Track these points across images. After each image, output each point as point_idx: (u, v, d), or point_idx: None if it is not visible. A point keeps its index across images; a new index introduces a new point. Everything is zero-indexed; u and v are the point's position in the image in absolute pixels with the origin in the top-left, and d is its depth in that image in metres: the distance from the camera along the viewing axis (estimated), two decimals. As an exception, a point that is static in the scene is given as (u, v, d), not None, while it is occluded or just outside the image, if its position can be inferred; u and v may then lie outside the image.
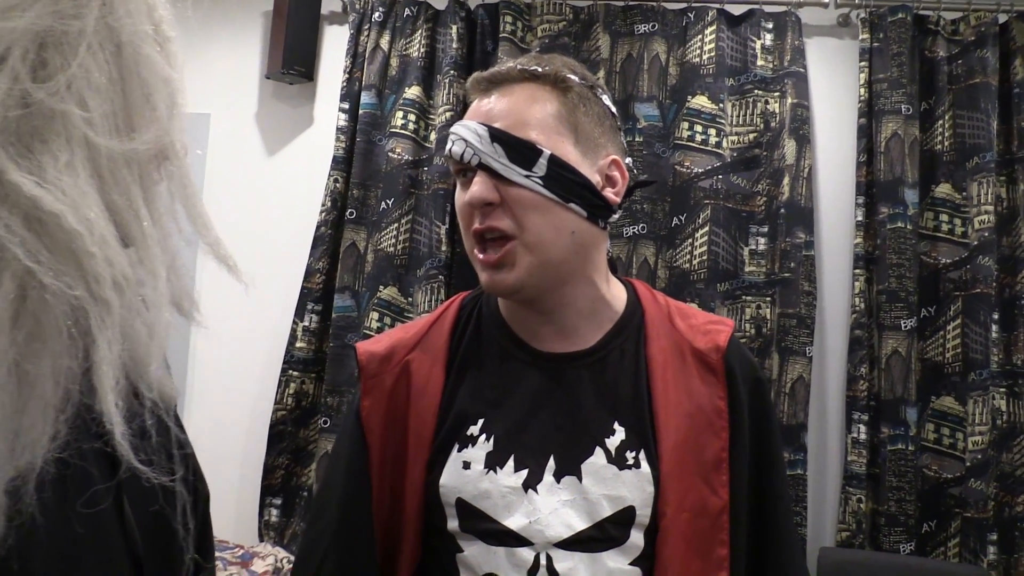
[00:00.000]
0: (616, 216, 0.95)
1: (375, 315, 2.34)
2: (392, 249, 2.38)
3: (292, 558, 2.20)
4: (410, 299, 2.38)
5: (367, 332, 2.33)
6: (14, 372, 0.43)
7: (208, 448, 2.50)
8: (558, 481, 0.87)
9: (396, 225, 2.38)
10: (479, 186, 0.87)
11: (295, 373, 2.38)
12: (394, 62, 2.46)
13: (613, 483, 0.87)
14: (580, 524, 0.86)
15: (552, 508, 0.86)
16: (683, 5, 2.39)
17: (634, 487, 0.87)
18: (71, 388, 0.45)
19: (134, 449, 0.47)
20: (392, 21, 2.47)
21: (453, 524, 0.88)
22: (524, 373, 0.93)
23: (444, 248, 2.35)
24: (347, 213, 2.42)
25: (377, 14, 2.46)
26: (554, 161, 0.87)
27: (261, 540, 2.37)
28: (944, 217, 2.27)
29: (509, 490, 0.87)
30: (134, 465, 0.47)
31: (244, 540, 2.37)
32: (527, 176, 0.86)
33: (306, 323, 2.39)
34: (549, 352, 0.93)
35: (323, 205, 2.42)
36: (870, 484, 2.20)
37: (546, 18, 2.40)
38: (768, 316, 2.26)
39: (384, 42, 2.46)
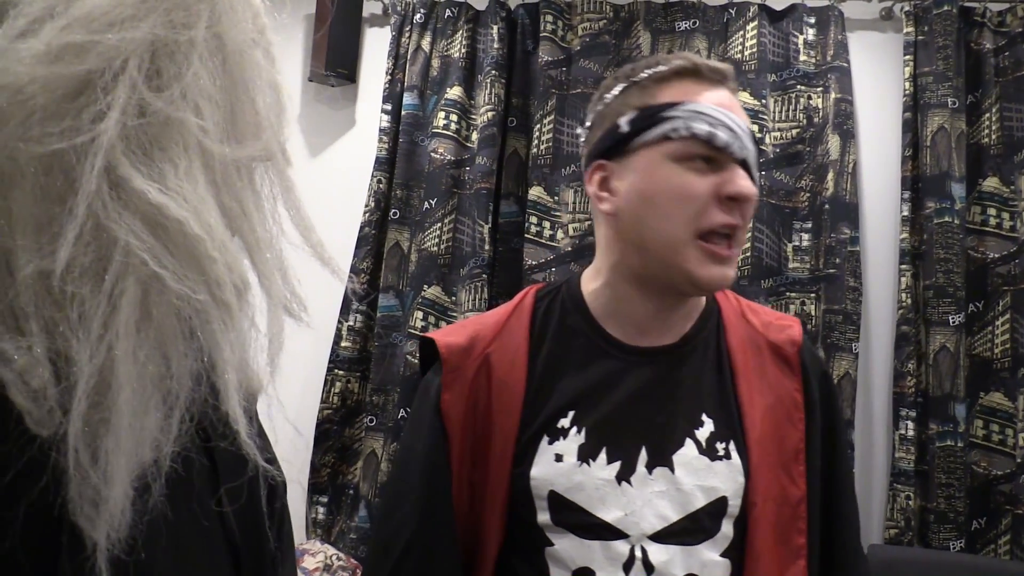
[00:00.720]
0: None
1: (419, 314, 2.36)
2: (435, 249, 2.39)
3: (341, 555, 2.23)
4: (454, 298, 2.39)
5: (412, 332, 2.35)
6: (141, 373, 0.44)
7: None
8: (650, 472, 0.88)
9: (439, 225, 2.40)
10: (748, 181, 0.87)
11: (340, 372, 2.41)
12: (435, 63, 2.48)
13: (705, 474, 0.88)
14: (673, 515, 0.87)
15: (646, 500, 0.87)
16: (724, 1, 2.38)
17: (726, 478, 0.88)
18: (197, 389, 0.46)
19: (260, 448, 0.49)
20: (433, 22, 2.49)
21: (544, 517, 0.88)
22: (613, 366, 0.93)
23: (487, 247, 2.36)
24: (391, 213, 2.44)
25: (418, 16, 2.48)
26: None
27: (308, 538, 2.40)
28: (992, 211, 2.24)
29: (603, 482, 0.88)
30: (261, 464, 0.49)
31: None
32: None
33: (351, 322, 2.42)
34: (637, 346, 0.94)
35: (366, 206, 2.44)
36: (918, 481, 2.18)
37: (587, 16, 2.41)
38: (813, 313, 2.24)
39: (425, 43, 2.48)
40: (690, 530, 0.87)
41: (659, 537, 0.86)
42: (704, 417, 0.91)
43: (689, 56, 0.92)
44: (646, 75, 0.92)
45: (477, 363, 0.94)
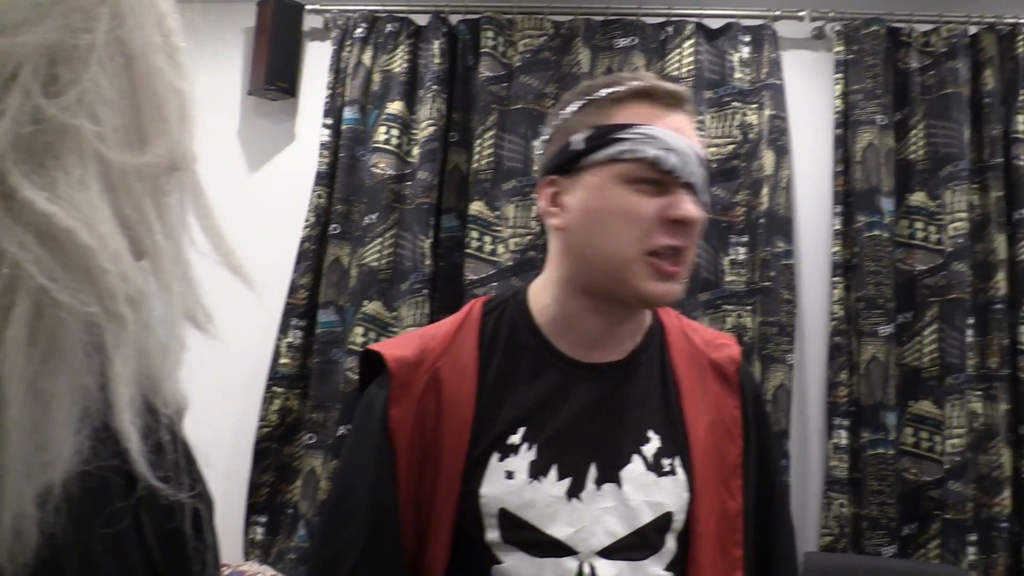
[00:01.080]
0: None
1: (359, 330, 2.34)
2: (376, 264, 2.38)
3: None
4: (395, 313, 2.38)
5: (352, 347, 2.33)
6: (32, 390, 0.42)
7: (193, 465, 2.48)
8: (599, 488, 0.89)
9: (380, 240, 2.39)
10: (693, 205, 0.88)
11: (279, 389, 2.37)
12: (376, 77, 2.47)
13: (652, 489, 0.90)
14: (621, 531, 0.88)
15: (595, 516, 0.88)
16: (662, 19, 2.42)
17: (672, 493, 0.90)
18: (89, 405, 0.45)
19: (151, 466, 0.47)
20: (374, 37, 2.48)
21: (493, 535, 0.87)
22: (563, 382, 0.93)
23: (428, 262, 2.35)
24: (331, 228, 2.42)
25: (359, 30, 2.47)
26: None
27: (246, 559, 2.35)
28: (919, 225, 2.31)
29: (554, 499, 0.88)
30: (151, 482, 0.47)
31: (229, 559, 2.36)
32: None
33: (290, 339, 2.39)
34: (586, 362, 0.94)
35: (307, 221, 2.42)
36: (852, 488, 2.23)
37: (527, 33, 2.43)
38: (749, 325, 2.29)
39: (366, 58, 2.47)
40: (637, 545, 0.88)
41: (607, 553, 0.87)
42: (651, 433, 0.92)
43: (648, 78, 0.93)
44: (603, 94, 0.93)
45: (426, 378, 0.93)
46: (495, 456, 0.90)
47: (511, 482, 0.88)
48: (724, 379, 0.98)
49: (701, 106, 2.36)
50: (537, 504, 0.87)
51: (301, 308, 2.40)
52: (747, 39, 2.40)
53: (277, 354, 2.39)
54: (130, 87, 0.49)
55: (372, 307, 2.37)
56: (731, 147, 2.36)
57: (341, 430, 2.28)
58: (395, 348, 0.96)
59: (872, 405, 2.23)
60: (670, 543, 0.90)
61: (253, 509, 2.36)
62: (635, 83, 0.92)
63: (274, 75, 2.46)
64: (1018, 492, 2.18)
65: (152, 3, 0.52)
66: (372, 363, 0.96)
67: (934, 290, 2.27)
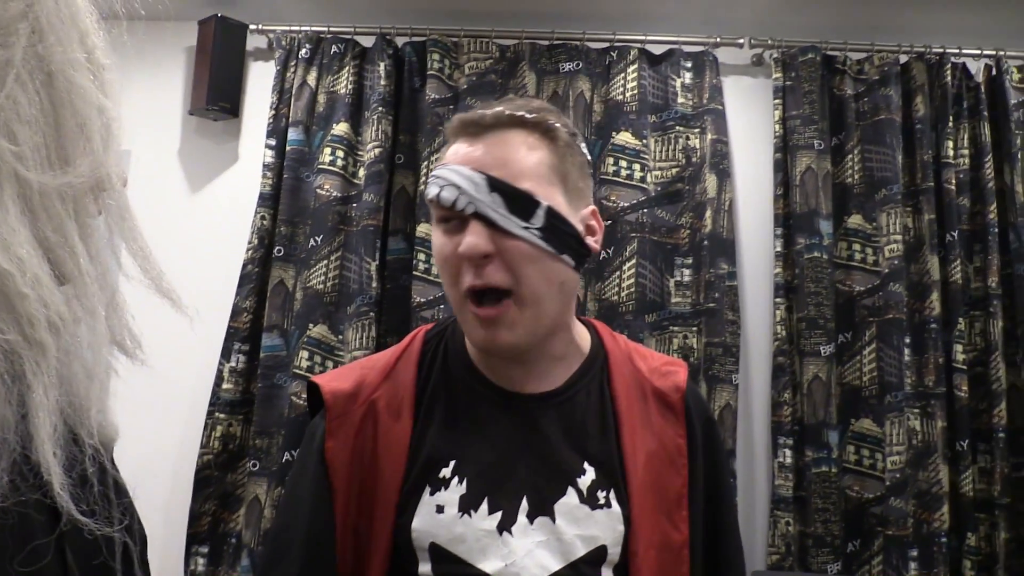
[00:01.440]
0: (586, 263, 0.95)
1: (305, 354, 2.30)
2: (321, 287, 2.35)
3: (220, 608, 2.13)
4: (341, 337, 2.35)
5: (297, 372, 2.28)
6: None
7: (132, 494, 2.39)
8: (532, 522, 0.87)
9: (325, 262, 2.36)
10: (475, 237, 0.83)
11: (222, 415, 2.32)
12: (321, 99, 2.45)
13: (586, 523, 0.87)
14: (555, 565, 0.86)
15: (527, 550, 0.86)
16: (606, 44, 2.46)
17: (606, 526, 0.88)
18: (7, 437, 0.43)
19: (75, 499, 0.45)
20: (319, 58, 2.47)
21: (425, 568, 0.86)
22: (494, 414, 0.92)
23: (374, 285, 2.33)
24: (275, 251, 2.38)
25: (304, 51, 2.46)
26: (551, 212, 0.85)
27: (187, 590, 2.28)
28: (857, 247, 2.37)
29: (484, 533, 0.86)
30: (75, 516, 0.45)
31: (169, 591, 2.28)
32: (525, 228, 0.84)
33: (233, 363, 2.34)
34: (519, 393, 0.93)
35: (250, 243, 2.38)
36: (797, 507, 2.26)
37: (473, 56, 2.44)
38: (695, 345, 2.31)
39: (311, 79, 2.45)
40: None
41: None
42: (586, 465, 0.90)
43: (462, 114, 0.91)
44: (449, 132, 0.93)
45: (363, 410, 0.92)
46: (427, 490, 0.88)
47: (441, 516, 0.87)
48: (668, 407, 0.96)
49: (645, 130, 2.39)
50: (467, 539, 0.86)
51: (244, 332, 2.35)
52: (689, 65, 2.45)
53: (219, 379, 2.34)
54: (51, 105, 0.48)
55: (318, 331, 2.33)
56: (675, 170, 2.40)
57: (286, 456, 2.23)
58: (334, 380, 0.95)
59: (815, 424, 2.26)
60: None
61: (194, 539, 2.29)
62: (452, 122, 0.91)
63: (216, 95, 2.42)
64: (956, 507, 2.23)
65: (74, 19, 0.50)
66: (317, 394, 0.96)
67: (872, 310, 2.32)
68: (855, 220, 2.38)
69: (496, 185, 0.84)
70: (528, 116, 0.88)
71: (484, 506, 0.87)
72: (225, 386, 2.32)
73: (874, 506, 2.24)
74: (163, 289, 0.57)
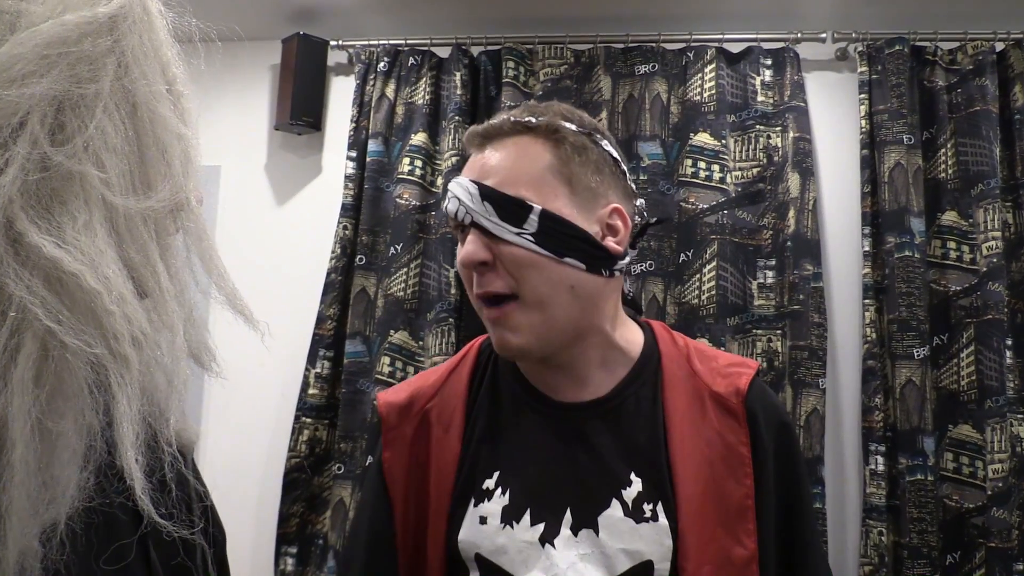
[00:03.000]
0: (626, 262, 0.92)
1: (386, 360, 2.35)
2: (402, 294, 2.39)
3: (309, 608, 2.19)
4: (421, 343, 2.39)
5: (379, 377, 2.33)
6: (37, 430, 0.43)
7: (223, 497, 2.50)
8: (575, 535, 0.86)
9: (405, 270, 2.40)
10: (471, 245, 0.86)
11: (308, 420, 2.38)
12: (400, 110, 2.50)
13: (630, 537, 0.85)
14: None
15: (570, 563, 0.84)
16: (682, 45, 2.43)
17: (652, 541, 0.85)
18: (94, 444, 0.46)
19: (155, 503, 0.48)
20: (397, 70, 2.52)
21: None
22: (538, 424, 0.91)
23: (453, 291, 2.36)
24: (357, 259, 2.44)
25: (382, 64, 2.51)
26: (546, 216, 0.85)
27: (278, 590, 2.35)
28: (952, 244, 2.27)
29: (526, 544, 0.86)
30: (155, 519, 0.48)
31: (261, 590, 2.36)
32: (518, 233, 0.84)
33: (318, 369, 2.40)
34: (564, 402, 0.92)
35: (333, 252, 2.45)
36: (891, 516, 2.17)
37: (548, 62, 2.44)
38: (779, 349, 2.25)
39: (389, 91, 2.51)
40: None
41: None
42: (633, 476, 0.88)
43: (474, 126, 0.93)
44: (465, 146, 0.96)
45: (416, 421, 0.94)
46: (471, 501, 0.89)
47: (484, 527, 0.87)
48: (728, 412, 0.90)
49: (724, 130, 2.35)
50: (509, 550, 0.85)
51: (328, 339, 2.42)
52: (769, 62, 2.39)
53: (305, 385, 2.41)
54: (135, 134, 0.51)
55: (398, 337, 2.37)
56: (756, 170, 2.35)
57: (369, 460, 2.27)
58: (391, 394, 0.99)
59: (909, 430, 2.17)
60: None
61: (283, 540, 2.36)
62: (467, 133, 0.93)
63: (299, 110, 2.50)
64: (1065, 519, 2.10)
65: (156, 53, 0.53)
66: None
67: (969, 311, 2.21)
68: (949, 217, 2.27)
69: (486, 193, 0.85)
70: (532, 121, 0.89)
71: (527, 517, 0.87)
72: (311, 391, 2.39)
73: (975, 516, 2.13)
74: (236, 305, 0.59)
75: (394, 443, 0.94)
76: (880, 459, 2.17)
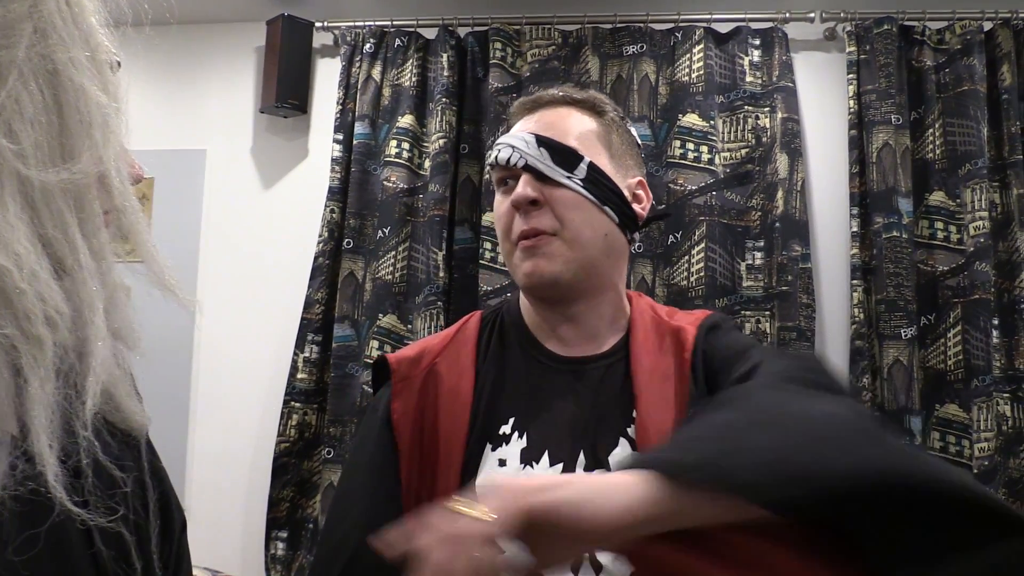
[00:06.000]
0: (638, 234, 1.01)
1: (375, 343, 2.34)
2: (390, 277, 2.38)
3: (300, 591, 2.19)
4: (410, 326, 2.38)
5: (368, 361, 2.33)
6: None
7: (212, 482, 2.51)
8: (589, 474, 0.89)
9: (393, 253, 2.39)
10: (524, 186, 0.94)
11: (297, 404, 2.38)
12: (386, 92, 2.48)
13: None
14: None
15: None
16: (670, 25, 2.41)
17: None
18: (4, 429, 0.44)
19: (69, 490, 0.45)
20: (383, 52, 2.50)
21: None
22: (549, 375, 0.97)
23: (442, 274, 2.35)
24: (344, 243, 2.43)
25: (368, 45, 2.49)
26: (593, 167, 0.95)
27: (268, 573, 2.35)
28: (939, 225, 2.27)
29: None
30: (67, 507, 0.45)
31: (251, 574, 2.36)
32: (569, 177, 0.94)
33: (307, 354, 2.39)
34: (571, 356, 0.98)
35: (320, 236, 2.43)
36: (878, 495, 2.18)
37: (535, 43, 2.42)
38: (768, 330, 2.25)
39: (376, 73, 2.48)
40: None
41: None
42: (634, 414, 0.93)
43: (522, 97, 1.04)
44: (511, 116, 1.05)
45: (425, 373, 0.97)
46: (488, 446, 0.93)
47: (504, 470, 0.91)
48: (679, 339, 0.95)
49: (712, 111, 2.34)
50: None
51: (317, 323, 2.41)
52: (757, 42, 2.38)
53: (294, 369, 2.40)
54: (54, 103, 0.48)
55: (387, 320, 2.37)
56: (744, 151, 2.34)
57: (367, 426, 2.27)
58: (399, 352, 1.02)
59: (896, 410, 2.18)
60: None
61: (273, 524, 2.36)
62: (515, 104, 1.04)
63: (285, 93, 2.48)
64: (1050, 496, 2.12)
65: (76, 19, 0.50)
66: (381, 369, 1.01)
67: (957, 291, 2.22)
68: (937, 197, 2.28)
69: (543, 141, 0.95)
70: (578, 96, 1.01)
71: (545, 458, 0.90)
72: (300, 376, 2.38)
73: (962, 495, 2.15)
74: (166, 285, 0.56)
75: (403, 393, 0.96)
76: (868, 439, 2.18)
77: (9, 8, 0.46)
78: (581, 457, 0.90)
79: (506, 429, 0.93)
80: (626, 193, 0.98)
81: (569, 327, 0.98)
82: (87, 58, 0.51)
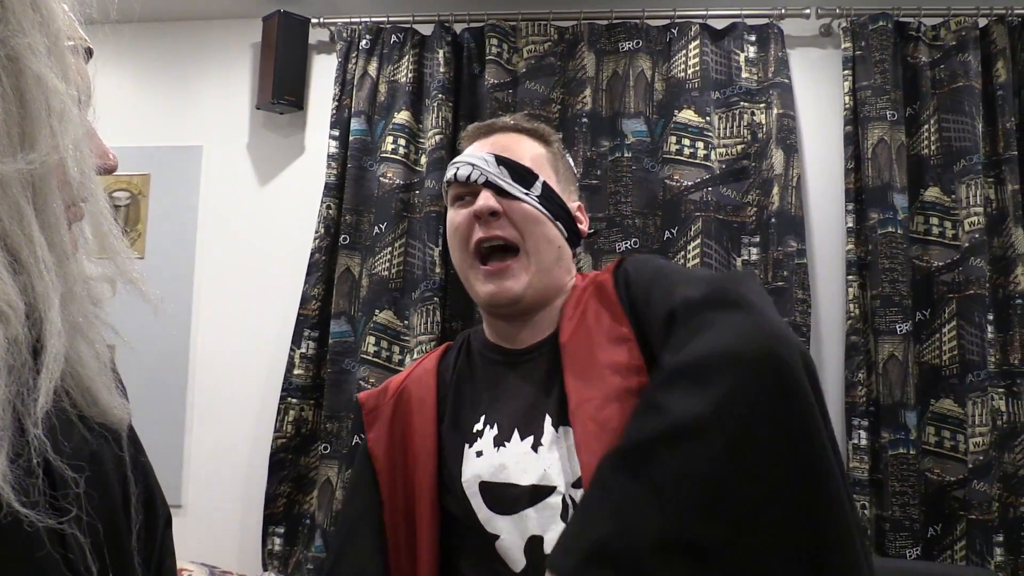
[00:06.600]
0: (578, 250, 1.12)
1: (371, 339, 2.35)
2: (386, 273, 2.38)
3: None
4: (406, 322, 2.38)
5: (364, 357, 2.33)
6: None
7: (210, 477, 2.51)
8: (557, 431, 0.96)
9: (390, 249, 2.39)
10: (485, 199, 1.01)
11: (294, 400, 2.38)
12: (382, 88, 2.48)
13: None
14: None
15: (562, 455, 0.94)
16: (666, 21, 2.42)
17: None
18: None
19: (20, 490, 0.43)
20: (379, 48, 2.50)
21: (484, 514, 0.95)
22: (506, 371, 1.05)
23: (438, 270, 2.35)
24: (341, 239, 2.43)
25: (364, 42, 2.49)
26: (546, 186, 1.04)
27: (265, 569, 2.35)
28: (934, 220, 2.28)
29: (521, 455, 0.96)
30: (15, 507, 0.43)
31: (248, 569, 2.36)
32: (526, 194, 1.02)
33: (303, 350, 2.39)
34: (524, 348, 1.06)
35: (316, 232, 2.43)
36: (873, 490, 2.19)
37: (531, 39, 2.43)
38: (764, 325, 2.25)
39: (372, 69, 2.48)
40: None
41: (581, 483, 0.91)
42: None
43: (476, 123, 1.14)
44: (462, 139, 1.13)
45: (393, 401, 1.07)
46: (466, 446, 1.00)
47: (481, 459, 0.98)
48: (605, 294, 1.01)
49: (708, 107, 2.34)
50: (509, 464, 0.95)
51: (313, 319, 2.41)
52: (753, 38, 2.38)
53: (291, 365, 2.40)
54: (12, 90, 0.47)
55: (383, 316, 2.37)
56: (740, 147, 2.34)
57: (355, 439, 2.27)
58: (366, 391, 1.14)
59: (891, 404, 2.19)
60: None
61: (271, 520, 2.36)
62: (469, 129, 1.13)
63: (281, 89, 2.48)
64: (1045, 491, 2.13)
65: (37, 4, 0.49)
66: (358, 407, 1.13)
67: (952, 286, 2.23)
68: (932, 193, 2.28)
69: (502, 160, 1.03)
70: (528, 125, 1.10)
71: (515, 436, 0.97)
72: (296, 372, 2.39)
73: (956, 489, 2.16)
74: (128, 276, 0.55)
75: (374, 424, 1.07)
76: (863, 434, 2.19)
77: None
78: (547, 424, 0.96)
79: (478, 426, 1.00)
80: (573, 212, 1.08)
81: (527, 331, 1.06)
82: (46, 44, 0.49)
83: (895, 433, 2.17)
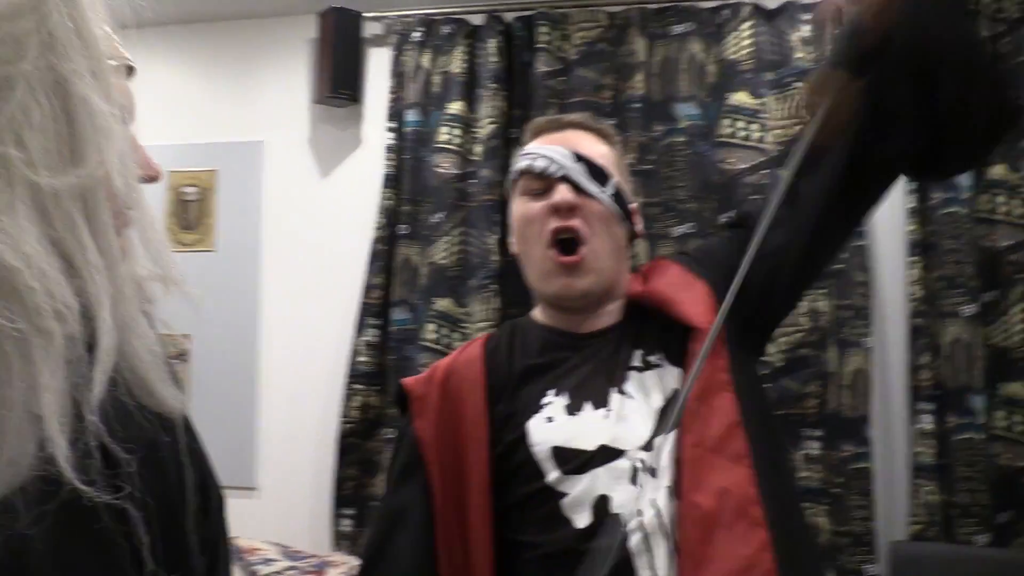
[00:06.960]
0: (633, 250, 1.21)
1: (431, 326, 2.40)
2: (445, 261, 2.43)
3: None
4: (465, 309, 2.43)
5: (424, 344, 2.39)
6: None
7: (281, 461, 2.61)
8: (624, 402, 1.02)
9: (448, 238, 2.44)
10: (564, 193, 1.05)
11: (359, 387, 2.45)
12: (436, 79, 2.52)
13: (652, 384, 1.04)
14: (647, 422, 1.00)
15: (627, 420, 1.00)
16: (718, 3, 2.39)
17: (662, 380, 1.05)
18: (23, 414, 0.47)
19: (80, 469, 0.48)
20: (431, 40, 2.53)
21: (553, 475, 0.98)
22: (571, 352, 1.09)
23: (495, 257, 2.39)
24: (400, 229, 2.49)
25: (416, 34, 2.53)
26: (618, 186, 1.09)
27: (335, 549, 2.44)
28: (1001, 199, 2.20)
29: (596, 421, 1.00)
30: (75, 485, 0.47)
31: (319, 549, 2.45)
32: (601, 191, 1.06)
33: (367, 337, 2.46)
34: (587, 333, 1.10)
35: (377, 222, 2.49)
36: (940, 475, 2.15)
37: (581, 26, 2.43)
38: (823, 309, 2.23)
39: (425, 60, 2.52)
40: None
41: (650, 445, 0.97)
42: (634, 350, 1.07)
43: (541, 118, 1.19)
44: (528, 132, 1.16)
45: (440, 388, 1.08)
46: (535, 415, 1.02)
47: (552, 424, 1.01)
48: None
49: (762, 88, 2.31)
50: (582, 431, 1.00)
51: (376, 307, 2.48)
52: (807, 17, 2.33)
53: (355, 352, 2.47)
54: (61, 111, 0.51)
55: (443, 304, 2.42)
56: (797, 128, 2.31)
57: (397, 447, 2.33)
58: (413, 377, 1.16)
59: (957, 388, 2.14)
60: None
61: (340, 502, 2.45)
62: (534, 123, 1.16)
63: (338, 83, 2.54)
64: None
65: (81, 31, 0.53)
66: (403, 398, 1.14)
67: (1020, 267, 2.16)
68: (998, 171, 2.20)
69: (580, 157, 1.06)
70: (594, 124, 1.14)
71: (588, 406, 1.02)
72: (360, 359, 2.46)
73: (1027, 475, 2.10)
74: (170, 279, 0.59)
75: (423, 411, 1.07)
76: (929, 418, 2.15)
77: (17, 24, 0.49)
78: (613, 395, 1.02)
79: (547, 399, 1.04)
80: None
81: (589, 320, 1.11)
82: (89, 67, 0.53)
83: (962, 417, 2.13)
